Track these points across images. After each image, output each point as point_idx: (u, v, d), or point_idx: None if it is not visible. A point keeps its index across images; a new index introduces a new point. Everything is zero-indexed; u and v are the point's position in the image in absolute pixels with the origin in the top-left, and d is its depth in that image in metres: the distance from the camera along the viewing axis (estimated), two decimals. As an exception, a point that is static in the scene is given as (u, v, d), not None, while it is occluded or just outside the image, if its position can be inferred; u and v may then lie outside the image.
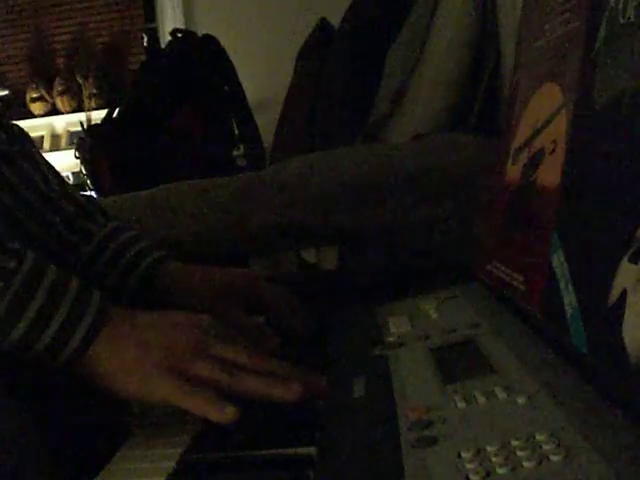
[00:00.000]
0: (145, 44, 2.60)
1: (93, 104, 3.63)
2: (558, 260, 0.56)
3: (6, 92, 3.73)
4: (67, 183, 0.90)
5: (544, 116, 0.66)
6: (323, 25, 2.12)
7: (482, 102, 1.38)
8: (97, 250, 0.83)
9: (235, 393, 0.58)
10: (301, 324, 0.82)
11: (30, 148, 0.87)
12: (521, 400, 0.47)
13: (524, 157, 0.71)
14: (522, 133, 0.74)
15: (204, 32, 2.26)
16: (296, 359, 0.74)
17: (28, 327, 0.58)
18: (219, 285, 0.82)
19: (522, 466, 0.39)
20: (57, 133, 3.71)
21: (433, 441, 0.44)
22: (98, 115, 3.04)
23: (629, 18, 0.49)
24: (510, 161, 0.76)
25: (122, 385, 0.59)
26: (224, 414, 0.56)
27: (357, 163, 1.19)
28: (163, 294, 0.82)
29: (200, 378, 0.58)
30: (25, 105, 3.72)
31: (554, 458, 0.39)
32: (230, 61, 2.20)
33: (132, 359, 0.59)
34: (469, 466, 0.40)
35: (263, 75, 2.74)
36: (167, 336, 0.61)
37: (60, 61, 3.82)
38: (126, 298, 0.83)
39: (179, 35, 2.23)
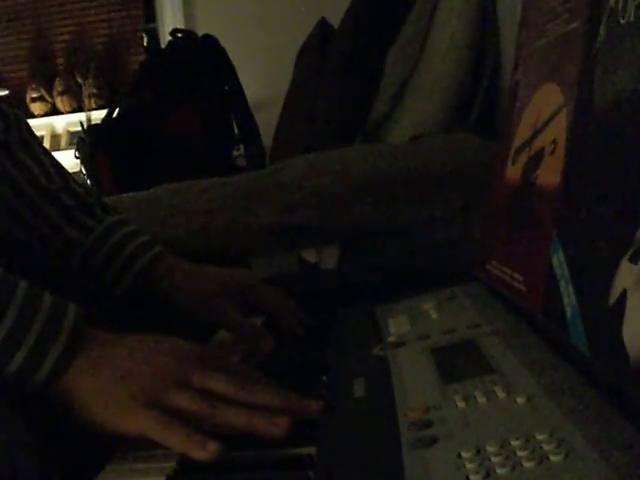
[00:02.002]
0: (145, 44, 2.60)
1: (93, 104, 3.63)
2: (558, 260, 0.56)
3: (6, 92, 3.72)
4: (68, 173, 0.88)
5: (544, 116, 0.66)
6: (323, 25, 2.12)
7: (482, 102, 1.38)
8: (95, 245, 0.82)
9: (216, 427, 0.54)
10: (296, 325, 0.81)
11: (29, 138, 0.86)
12: (521, 400, 0.47)
13: (524, 157, 0.71)
14: (522, 133, 0.74)
15: (204, 32, 2.26)
16: (296, 360, 0.74)
17: (0, 345, 0.54)
18: (216, 285, 0.82)
19: (522, 466, 0.39)
20: (57, 133, 3.71)
21: (433, 441, 0.44)
22: (98, 115, 3.04)
23: (629, 18, 0.49)
24: (510, 161, 0.76)
25: (97, 417, 0.55)
26: (205, 452, 0.52)
27: (357, 163, 1.19)
28: (159, 292, 0.82)
29: (179, 410, 0.55)
30: (25, 105, 3.72)
31: (554, 458, 0.39)
32: (230, 61, 2.20)
33: (107, 389, 0.55)
34: (469, 466, 0.40)
35: (263, 75, 2.74)
36: (144, 363, 0.57)
37: (60, 61, 3.82)
38: (123, 295, 0.82)
39: (179, 35, 2.23)
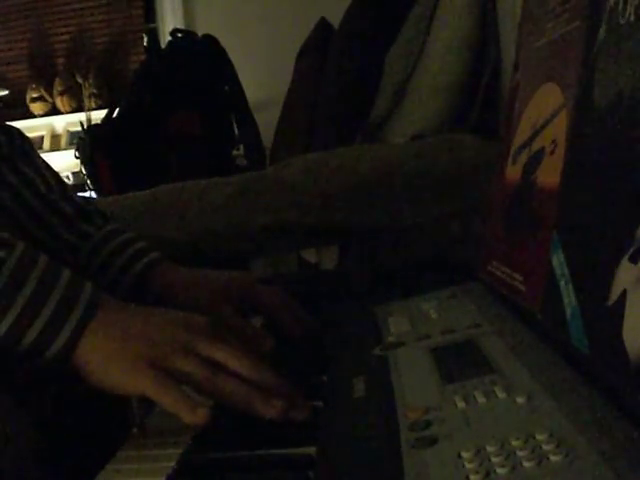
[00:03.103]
0: (145, 44, 2.60)
1: (93, 104, 3.63)
2: (558, 260, 0.56)
3: (6, 92, 3.73)
4: (66, 185, 0.90)
5: (544, 116, 0.66)
6: (323, 25, 2.12)
7: (482, 102, 1.38)
8: (93, 251, 0.83)
9: (214, 395, 0.57)
10: (298, 326, 0.81)
11: (29, 150, 0.87)
12: (521, 400, 0.47)
13: (524, 157, 0.71)
14: (522, 133, 0.74)
15: (204, 32, 2.26)
16: (296, 360, 0.74)
17: (18, 316, 0.57)
18: (214, 288, 0.82)
19: (522, 466, 0.39)
20: (57, 133, 3.71)
21: (433, 441, 0.44)
22: (98, 115, 3.04)
23: (629, 18, 0.49)
24: (510, 161, 0.76)
25: (103, 375, 0.58)
26: (194, 415, 0.54)
27: (357, 163, 1.19)
28: (157, 296, 0.82)
29: (181, 374, 0.57)
30: (25, 105, 3.72)
31: (554, 458, 0.39)
32: (230, 61, 2.20)
33: (115, 349, 0.58)
34: (469, 466, 0.40)
35: (263, 75, 2.74)
36: (154, 329, 0.59)
37: (60, 61, 3.82)
38: (121, 298, 0.82)
39: (179, 35, 2.23)
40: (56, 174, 0.89)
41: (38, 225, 0.82)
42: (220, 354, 0.59)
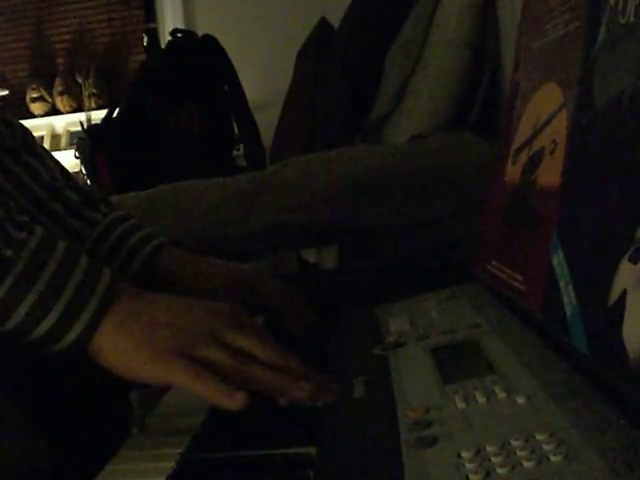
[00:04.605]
0: (145, 44, 2.60)
1: (93, 104, 3.63)
2: (558, 260, 0.56)
3: (6, 92, 3.73)
4: (71, 175, 0.90)
5: (544, 116, 0.66)
6: (323, 25, 2.12)
7: (482, 102, 1.38)
8: (101, 237, 0.83)
9: (244, 383, 0.56)
10: (300, 325, 0.81)
11: (32, 142, 0.87)
12: (521, 400, 0.47)
13: (524, 157, 0.71)
14: (522, 133, 0.74)
15: (204, 32, 2.26)
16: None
17: (38, 299, 0.56)
18: (221, 278, 0.82)
19: (522, 466, 0.39)
20: (57, 133, 3.71)
21: (433, 441, 0.44)
22: (98, 115, 3.04)
23: (629, 18, 0.49)
24: (510, 161, 0.76)
25: (130, 364, 0.57)
26: (234, 400, 0.54)
27: (357, 163, 1.19)
28: (164, 280, 0.82)
29: (209, 362, 0.56)
30: (25, 105, 3.72)
31: (554, 458, 0.39)
32: (230, 61, 2.20)
33: (140, 337, 0.57)
34: (469, 466, 0.40)
35: (263, 75, 2.74)
36: (179, 317, 0.59)
37: (60, 61, 3.82)
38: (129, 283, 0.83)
39: (179, 35, 2.23)
40: (59, 164, 0.89)
41: (43, 213, 0.82)
42: (246, 342, 0.59)
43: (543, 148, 0.65)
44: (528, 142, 0.71)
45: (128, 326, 0.58)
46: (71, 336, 0.57)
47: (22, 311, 0.56)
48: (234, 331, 0.59)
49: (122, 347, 0.57)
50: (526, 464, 0.39)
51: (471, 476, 0.39)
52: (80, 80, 3.69)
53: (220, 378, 0.55)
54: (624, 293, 0.43)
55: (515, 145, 0.75)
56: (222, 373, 0.56)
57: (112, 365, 0.58)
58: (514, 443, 0.41)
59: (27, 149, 0.85)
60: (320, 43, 2.05)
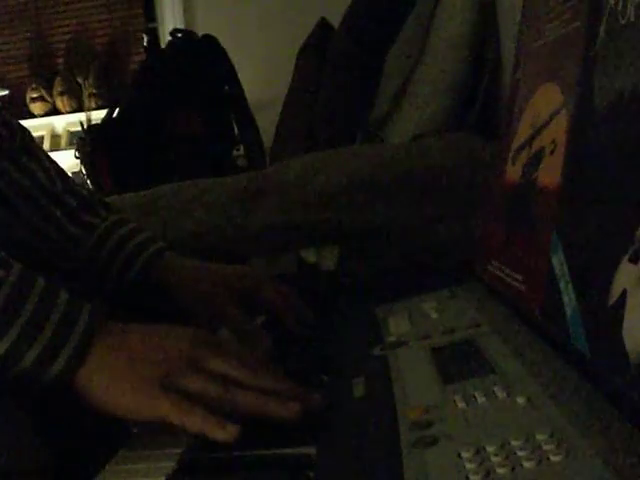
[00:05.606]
0: (145, 44, 2.60)
1: (93, 104, 3.63)
2: (558, 260, 0.56)
3: (6, 92, 3.72)
4: (69, 177, 0.90)
5: (544, 116, 0.66)
6: (323, 25, 2.12)
7: (482, 102, 1.38)
8: (99, 242, 0.83)
9: (229, 410, 0.55)
10: (298, 325, 0.81)
11: (31, 143, 0.87)
12: (521, 400, 0.47)
13: (524, 157, 0.71)
14: (522, 133, 0.74)
15: (204, 32, 2.26)
16: (296, 359, 0.74)
17: (16, 337, 0.55)
18: (218, 284, 0.82)
19: (522, 466, 0.39)
20: (57, 133, 3.71)
21: (433, 441, 0.44)
22: (98, 115, 3.04)
23: (629, 18, 0.48)
24: (510, 161, 0.76)
25: (115, 402, 0.56)
26: (225, 432, 0.53)
27: (357, 163, 1.19)
28: (161, 287, 0.82)
29: (192, 393, 0.56)
30: (25, 105, 3.72)
31: (554, 458, 0.39)
32: (230, 61, 2.20)
33: (122, 374, 0.56)
34: (469, 466, 0.40)
35: (263, 75, 2.74)
36: (158, 349, 0.58)
37: (60, 61, 3.82)
38: (126, 289, 0.82)
39: (179, 35, 2.23)
40: (58, 166, 0.89)
41: (41, 218, 0.82)
42: (227, 368, 0.58)
43: (543, 148, 0.65)
44: (528, 142, 0.71)
45: (108, 361, 0.57)
46: (51, 374, 0.56)
47: (1, 349, 0.55)
48: (214, 356, 0.58)
49: (104, 385, 0.57)
50: (526, 464, 0.39)
51: (471, 476, 0.39)
52: (80, 80, 3.70)
53: (207, 409, 0.54)
54: (624, 293, 0.43)
55: (515, 145, 0.75)
56: (208, 403, 0.55)
57: (97, 406, 0.57)
58: (514, 443, 0.41)
59: (26, 151, 0.85)
60: (320, 43, 2.05)
